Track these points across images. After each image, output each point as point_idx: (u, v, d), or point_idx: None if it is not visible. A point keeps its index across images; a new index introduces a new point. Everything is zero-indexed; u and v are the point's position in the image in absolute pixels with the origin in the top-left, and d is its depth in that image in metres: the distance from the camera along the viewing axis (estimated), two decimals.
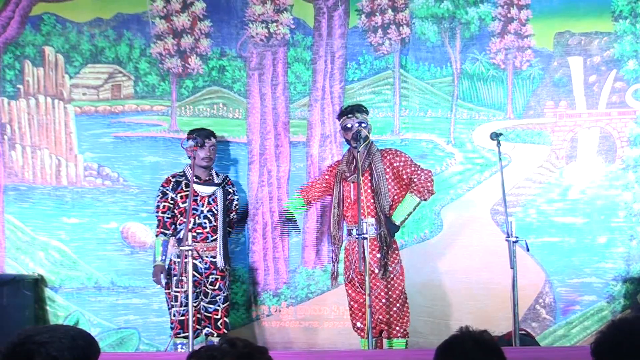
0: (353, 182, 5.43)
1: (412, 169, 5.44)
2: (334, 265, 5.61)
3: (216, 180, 5.75)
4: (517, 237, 5.12)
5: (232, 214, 5.91)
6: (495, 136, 5.48)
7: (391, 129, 6.34)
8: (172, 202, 5.63)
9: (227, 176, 5.95)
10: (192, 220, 5.53)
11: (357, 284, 5.44)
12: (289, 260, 6.35)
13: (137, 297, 6.29)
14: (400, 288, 5.43)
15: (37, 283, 6.24)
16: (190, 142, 5.49)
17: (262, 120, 6.38)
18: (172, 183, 5.67)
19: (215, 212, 5.64)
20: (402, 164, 5.45)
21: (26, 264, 6.32)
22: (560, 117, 6.34)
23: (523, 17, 6.34)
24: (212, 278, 5.62)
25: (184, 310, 5.37)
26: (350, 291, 5.55)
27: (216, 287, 5.62)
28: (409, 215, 5.45)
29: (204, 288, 5.60)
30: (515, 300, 5.07)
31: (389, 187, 5.42)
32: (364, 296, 5.22)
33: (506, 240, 5.15)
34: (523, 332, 5.53)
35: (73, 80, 6.41)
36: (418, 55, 6.36)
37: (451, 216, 6.31)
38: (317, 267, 6.33)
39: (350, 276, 5.50)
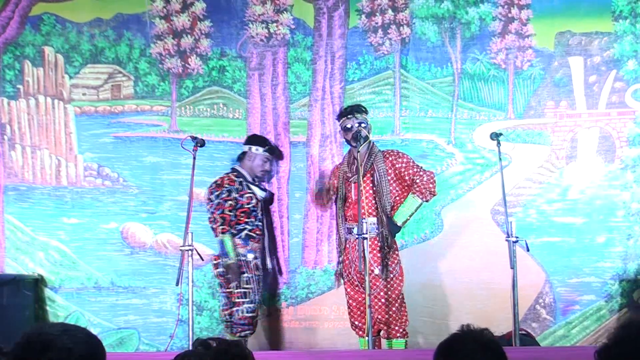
0: (354, 182, 5.44)
1: (415, 170, 5.46)
2: (338, 265, 5.63)
3: (262, 186, 5.93)
4: (517, 237, 5.14)
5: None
6: (495, 136, 5.49)
7: (391, 129, 6.34)
8: (235, 202, 5.67)
9: None
10: (252, 221, 5.70)
11: (356, 283, 5.46)
12: (289, 260, 6.35)
13: (137, 297, 6.29)
14: (399, 288, 5.46)
15: (37, 283, 6.24)
16: (191, 142, 5.54)
17: (262, 120, 6.38)
18: (236, 183, 5.72)
19: (262, 217, 5.86)
20: (404, 165, 5.46)
21: (26, 264, 6.32)
22: (560, 117, 6.35)
23: (524, 17, 6.34)
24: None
25: (254, 307, 5.60)
26: (349, 290, 5.56)
27: (258, 287, 5.74)
28: (410, 216, 5.48)
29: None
30: (515, 300, 5.08)
31: (391, 187, 5.44)
32: (363, 295, 5.24)
33: (506, 240, 5.17)
34: (523, 332, 5.55)
35: (73, 81, 6.40)
36: (418, 56, 6.36)
37: (451, 216, 6.31)
38: (317, 267, 6.34)
39: (350, 275, 5.51)
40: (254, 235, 5.71)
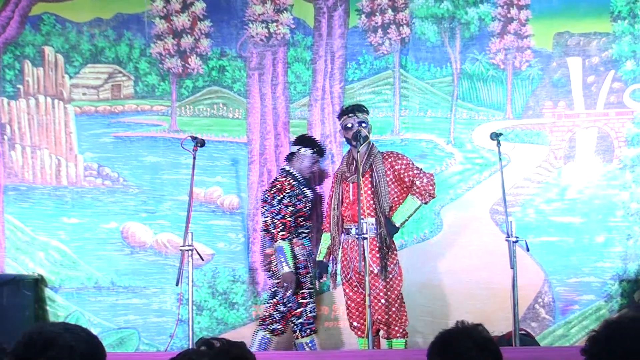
0: (353, 183, 5.44)
1: (415, 171, 5.45)
2: (333, 266, 5.64)
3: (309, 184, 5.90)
4: (517, 237, 5.14)
5: None
6: (495, 136, 5.50)
7: (391, 129, 6.35)
8: (294, 207, 5.62)
9: None
10: (308, 225, 5.72)
11: (355, 284, 5.46)
12: None
13: (137, 297, 6.29)
14: (398, 289, 5.45)
15: (37, 283, 6.23)
16: (191, 142, 5.54)
17: (262, 120, 6.39)
18: (295, 188, 5.66)
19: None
20: (403, 167, 5.46)
21: (26, 264, 6.32)
22: (558, 118, 6.36)
23: (523, 18, 6.36)
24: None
25: (315, 306, 5.66)
26: (347, 290, 5.56)
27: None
28: (409, 217, 5.47)
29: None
30: (515, 300, 5.09)
31: (389, 189, 5.44)
32: (362, 295, 5.24)
33: (506, 240, 5.17)
34: (523, 332, 5.55)
35: (73, 80, 6.40)
36: (418, 55, 6.37)
37: (451, 216, 6.32)
38: (317, 267, 6.33)
39: (348, 275, 5.51)
40: (309, 237, 5.75)
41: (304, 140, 5.85)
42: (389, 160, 5.49)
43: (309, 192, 5.76)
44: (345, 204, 5.53)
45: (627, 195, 6.32)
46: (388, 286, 5.42)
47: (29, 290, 6.11)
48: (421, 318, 6.14)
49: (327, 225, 5.68)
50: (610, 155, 6.34)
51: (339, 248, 5.57)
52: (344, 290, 5.59)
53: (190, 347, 4.93)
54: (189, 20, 6.38)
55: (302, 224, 5.66)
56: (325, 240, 5.69)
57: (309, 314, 5.63)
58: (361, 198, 5.23)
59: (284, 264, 5.48)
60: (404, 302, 5.50)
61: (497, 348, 2.58)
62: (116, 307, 6.29)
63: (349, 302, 5.57)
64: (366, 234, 5.06)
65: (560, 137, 6.36)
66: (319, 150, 5.80)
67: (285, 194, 5.57)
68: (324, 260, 5.69)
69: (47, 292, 6.28)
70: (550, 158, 6.36)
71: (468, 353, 2.51)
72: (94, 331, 2.73)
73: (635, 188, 6.33)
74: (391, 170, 5.45)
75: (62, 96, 6.38)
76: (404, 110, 6.37)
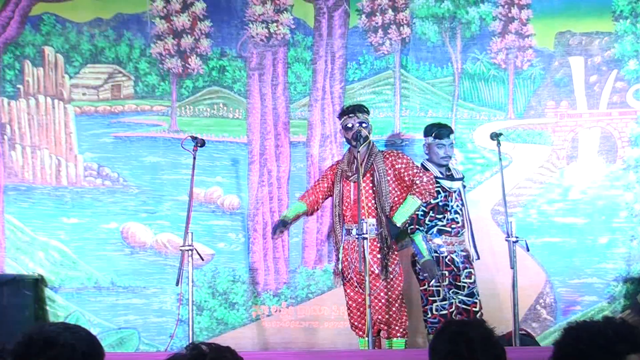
0: (354, 182, 5.44)
1: (415, 171, 5.46)
2: (337, 264, 5.63)
3: (456, 176, 5.73)
4: (517, 237, 5.13)
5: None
6: (495, 136, 5.49)
7: (392, 129, 6.34)
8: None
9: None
10: (445, 216, 5.58)
11: (356, 284, 5.45)
12: (289, 260, 6.35)
13: (137, 297, 6.29)
14: (399, 289, 5.47)
15: (37, 283, 6.24)
16: (191, 142, 5.54)
17: (262, 120, 6.38)
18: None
19: (462, 206, 5.69)
20: (404, 166, 5.46)
21: (26, 264, 6.33)
22: (561, 117, 6.34)
23: (524, 17, 6.33)
24: (467, 272, 5.58)
25: (446, 304, 5.51)
26: (348, 291, 5.56)
27: (472, 280, 5.59)
28: (409, 217, 5.46)
29: (462, 282, 5.58)
30: (515, 300, 5.09)
31: (390, 188, 5.44)
32: (363, 296, 5.23)
33: (506, 240, 5.17)
34: (523, 332, 5.53)
35: (73, 80, 6.41)
36: (419, 55, 6.35)
37: None
38: (317, 267, 6.33)
39: (349, 276, 5.51)
40: (448, 229, 5.59)
41: (425, 130, 5.74)
42: (390, 159, 5.50)
43: (448, 184, 5.63)
44: (346, 204, 5.53)
45: (631, 196, 6.28)
46: (389, 286, 5.43)
47: (29, 290, 6.12)
48: (421, 318, 6.11)
49: (306, 198, 5.69)
50: (614, 156, 6.31)
51: (340, 248, 5.56)
52: (345, 291, 5.60)
53: (191, 337, 4.98)
54: (189, 20, 6.38)
55: (434, 217, 5.58)
56: (297, 207, 5.69)
57: (434, 313, 5.54)
58: (362, 198, 5.24)
59: (419, 256, 5.49)
60: (404, 302, 5.53)
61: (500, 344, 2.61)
62: (116, 307, 6.29)
63: (349, 302, 5.57)
64: (366, 234, 5.07)
65: (563, 137, 6.33)
66: (437, 134, 5.64)
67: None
68: (289, 218, 5.64)
69: (47, 292, 6.29)
70: (553, 158, 6.34)
71: (478, 341, 2.51)
72: (94, 331, 2.73)
73: (639, 188, 6.28)
74: (392, 169, 5.46)
75: (62, 96, 6.39)
76: (404, 111, 6.36)
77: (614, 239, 6.25)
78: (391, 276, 5.43)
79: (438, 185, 5.57)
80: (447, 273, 5.53)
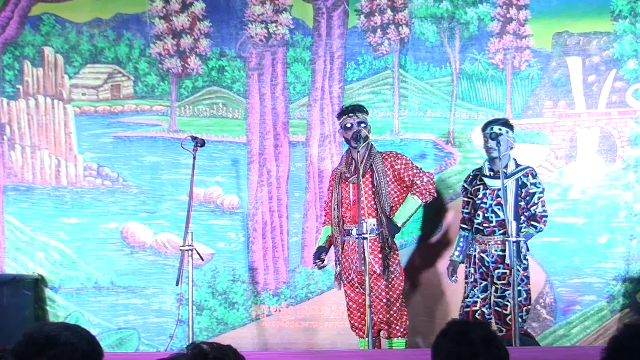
0: (352, 183, 5.44)
1: (414, 171, 5.48)
2: (337, 267, 5.63)
3: (508, 172, 5.50)
4: (516, 237, 5.13)
5: (533, 207, 5.53)
6: (495, 136, 5.48)
7: (390, 129, 6.35)
8: (470, 197, 5.61)
9: (528, 167, 5.63)
10: (481, 214, 5.51)
11: (356, 284, 5.46)
12: (289, 260, 6.36)
13: (137, 297, 6.30)
14: (400, 289, 5.48)
15: (37, 283, 6.25)
16: (191, 142, 5.55)
17: (261, 120, 6.39)
18: (470, 177, 5.68)
19: (500, 206, 5.46)
20: (403, 166, 5.48)
21: (26, 264, 6.34)
22: (559, 117, 6.34)
23: (522, 18, 6.33)
24: (499, 272, 5.46)
25: (470, 301, 5.51)
26: (349, 291, 5.56)
27: (505, 282, 5.44)
28: (410, 216, 5.48)
29: (494, 283, 5.50)
30: (514, 300, 5.08)
31: (389, 188, 5.45)
32: (363, 296, 5.24)
33: (506, 240, 5.17)
34: (523, 332, 5.53)
35: (72, 81, 6.42)
36: (417, 55, 6.36)
37: (451, 216, 6.30)
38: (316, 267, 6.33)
39: (350, 277, 5.51)
40: (481, 228, 5.50)
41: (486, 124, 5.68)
42: (389, 160, 5.51)
43: (490, 182, 5.50)
44: (345, 205, 5.53)
45: (630, 195, 6.28)
46: (390, 286, 5.43)
47: (29, 290, 6.13)
48: (421, 318, 6.12)
49: (328, 219, 5.64)
50: (613, 155, 6.30)
51: (340, 249, 5.56)
52: (345, 291, 5.60)
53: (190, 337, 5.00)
54: (188, 20, 6.39)
55: (474, 214, 5.56)
56: (326, 231, 5.65)
57: (460, 310, 5.58)
58: (362, 199, 5.25)
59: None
60: (404, 302, 5.54)
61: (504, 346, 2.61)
62: (116, 308, 6.29)
63: (350, 302, 5.58)
64: (366, 234, 5.07)
65: (561, 137, 6.33)
66: (483, 126, 5.62)
67: (463, 184, 5.74)
68: (324, 245, 5.62)
69: (47, 292, 6.30)
70: (551, 158, 6.33)
71: (480, 342, 2.51)
72: (94, 332, 2.74)
73: (639, 188, 6.28)
74: (391, 170, 5.47)
75: (62, 96, 6.40)
76: (403, 110, 6.36)
77: (613, 239, 6.24)
78: (392, 276, 5.44)
79: (480, 183, 5.57)
80: (472, 270, 5.52)
